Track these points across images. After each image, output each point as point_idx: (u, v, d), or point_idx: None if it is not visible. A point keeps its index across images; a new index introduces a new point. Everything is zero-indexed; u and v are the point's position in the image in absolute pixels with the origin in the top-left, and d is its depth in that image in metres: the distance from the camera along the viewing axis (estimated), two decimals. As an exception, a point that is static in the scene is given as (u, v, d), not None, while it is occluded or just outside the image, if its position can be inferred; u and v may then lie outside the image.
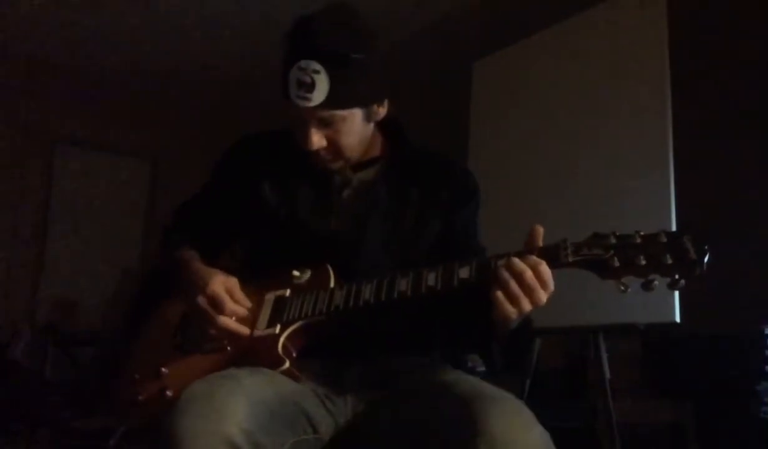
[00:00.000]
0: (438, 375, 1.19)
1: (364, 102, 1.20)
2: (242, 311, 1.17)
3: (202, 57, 4.67)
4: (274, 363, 1.11)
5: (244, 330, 1.16)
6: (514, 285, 0.99)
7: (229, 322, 1.15)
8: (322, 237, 1.25)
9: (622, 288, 0.97)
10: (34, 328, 4.64)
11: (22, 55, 4.75)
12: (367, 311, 1.10)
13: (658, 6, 2.52)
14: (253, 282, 1.23)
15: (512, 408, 0.97)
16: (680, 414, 2.69)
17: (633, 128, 2.48)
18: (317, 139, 1.19)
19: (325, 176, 1.28)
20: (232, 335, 1.16)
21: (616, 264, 0.96)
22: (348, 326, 1.16)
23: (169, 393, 1.16)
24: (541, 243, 1.03)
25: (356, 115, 1.20)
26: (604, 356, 2.34)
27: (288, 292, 1.20)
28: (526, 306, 0.99)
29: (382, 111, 1.25)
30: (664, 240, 0.95)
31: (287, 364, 1.11)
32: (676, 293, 2.13)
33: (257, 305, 1.20)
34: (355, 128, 1.21)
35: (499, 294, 1.00)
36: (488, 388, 1.04)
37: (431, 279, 1.06)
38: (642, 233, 0.97)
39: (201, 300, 1.16)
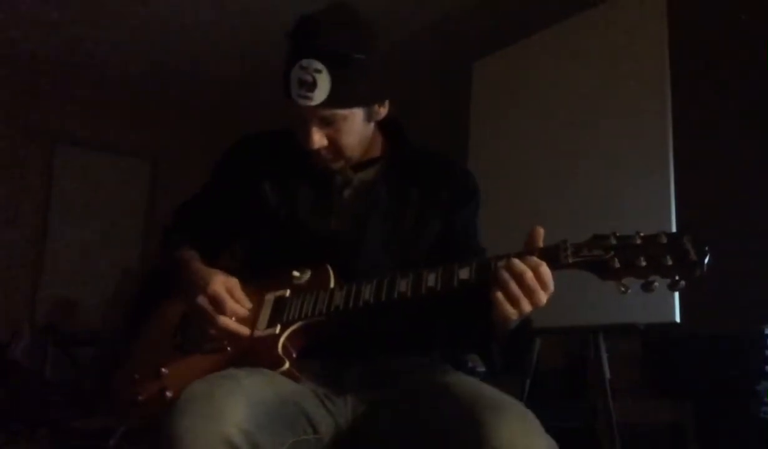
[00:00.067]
0: (438, 376, 1.19)
1: (365, 101, 1.20)
2: (243, 311, 1.17)
3: (202, 57, 4.67)
4: (274, 363, 1.11)
5: (245, 330, 1.16)
6: (514, 286, 0.99)
7: (229, 322, 1.15)
8: (322, 237, 1.25)
9: (623, 289, 0.97)
10: (34, 328, 4.64)
11: (22, 55, 4.75)
12: (367, 311, 1.10)
13: (658, 6, 2.52)
14: (253, 282, 1.23)
15: (519, 417, 0.96)
16: (680, 414, 2.69)
17: (633, 128, 2.48)
18: (318, 138, 1.19)
19: (325, 176, 1.28)
20: (232, 335, 1.16)
21: (617, 265, 0.96)
22: (348, 326, 1.16)
23: (168, 393, 1.16)
24: (541, 244, 1.03)
25: (357, 114, 1.20)
26: (604, 356, 2.34)
27: (288, 292, 1.20)
28: (526, 307, 0.99)
29: (382, 111, 1.25)
30: (665, 241, 0.95)
31: (287, 365, 1.11)
32: (676, 293, 2.13)
33: (257, 305, 1.20)
34: (356, 128, 1.21)
35: (499, 295, 1.00)
36: (494, 394, 1.03)
37: (431, 279, 1.06)
38: (642, 234, 0.97)
39: (201, 300, 1.16)
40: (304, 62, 1.13)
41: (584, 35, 2.77)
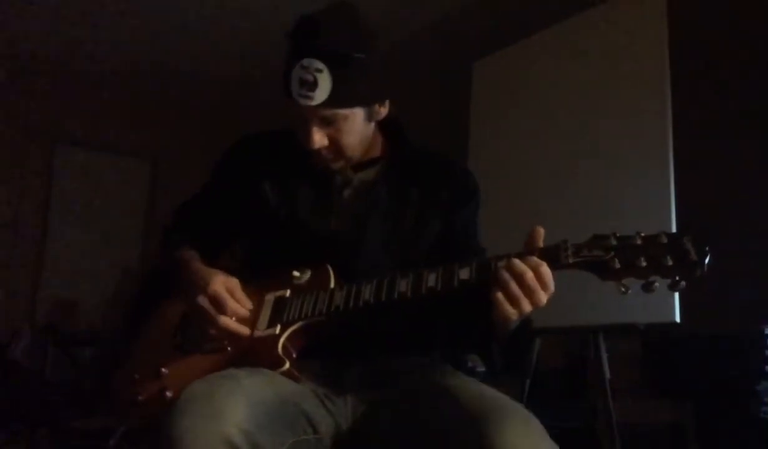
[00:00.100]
0: (439, 376, 1.19)
1: (366, 101, 1.20)
2: (243, 311, 1.17)
3: (202, 57, 4.67)
4: (274, 363, 1.11)
5: (245, 330, 1.16)
6: (514, 286, 0.99)
7: (229, 322, 1.15)
8: (322, 237, 1.25)
9: (623, 289, 0.97)
10: (34, 328, 4.64)
11: (22, 55, 4.75)
12: (367, 311, 1.10)
13: (658, 6, 2.52)
14: (253, 282, 1.23)
15: (523, 421, 0.96)
16: (680, 414, 2.69)
17: (633, 128, 2.48)
18: (319, 138, 1.19)
19: (325, 176, 1.28)
20: (232, 335, 1.16)
21: (617, 265, 0.96)
22: (348, 326, 1.16)
23: (168, 393, 1.16)
24: (541, 244, 1.03)
25: (358, 114, 1.20)
26: (604, 356, 2.34)
27: (288, 293, 1.20)
28: (527, 307, 0.99)
29: (383, 111, 1.25)
30: (665, 241, 0.95)
31: (287, 365, 1.10)
32: (676, 293, 2.13)
33: (257, 305, 1.20)
34: (357, 127, 1.21)
35: (500, 295, 0.99)
36: (496, 396, 1.03)
37: (431, 279, 1.06)
38: (642, 234, 0.97)
39: (202, 300, 1.16)
40: (305, 62, 1.13)
41: (584, 35, 2.77)
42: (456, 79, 3.55)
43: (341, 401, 1.16)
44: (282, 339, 1.13)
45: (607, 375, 2.31)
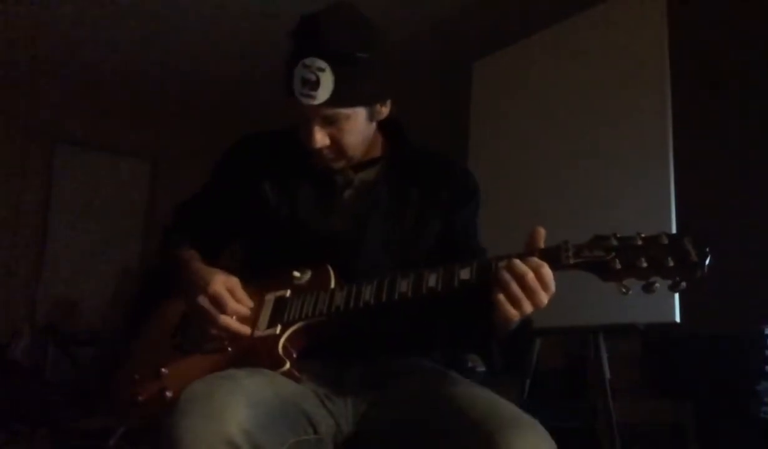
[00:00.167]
0: (439, 376, 1.19)
1: (368, 101, 1.20)
2: (244, 310, 1.17)
3: (202, 57, 4.67)
4: (275, 363, 1.11)
5: (245, 329, 1.16)
6: (515, 287, 0.98)
7: (230, 322, 1.15)
8: (323, 237, 1.25)
9: (624, 290, 0.97)
10: (34, 328, 4.64)
11: (22, 55, 4.75)
12: (368, 312, 1.10)
13: (658, 6, 2.52)
14: (253, 282, 1.22)
15: (532, 431, 0.96)
16: (680, 414, 2.69)
17: (633, 128, 2.48)
18: (320, 137, 1.19)
19: (326, 176, 1.28)
20: (233, 335, 1.16)
21: (618, 266, 0.96)
22: (348, 327, 1.16)
23: (169, 393, 1.16)
24: (542, 245, 1.03)
25: (360, 113, 1.20)
26: (604, 356, 2.34)
27: (288, 293, 1.20)
28: (527, 308, 0.99)
29: (384, 110, 1.25)
30: (665, 242, 0.95)
31: (287, 365, 1.10)
32: (676, 293, 2.13)
33: (257, 305, 1.20)
34: (359, 127, 1.21)
35: (501, 296, 0.99)
36: (503, 404, 1.03)
37: (432, 280, 1.06)
38: (643, 235, 0.97)
39: (202, 299, 1.15)
40: (308, 60, 1.13)
41: (584, 35, 2.77)
42: (456, 79, 3.55)
43: (341, 401, 1.16)
44: (282, 340, 1.13)
45: (607, 375, 2.31)
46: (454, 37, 4.06)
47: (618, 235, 0.98)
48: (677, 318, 2.16)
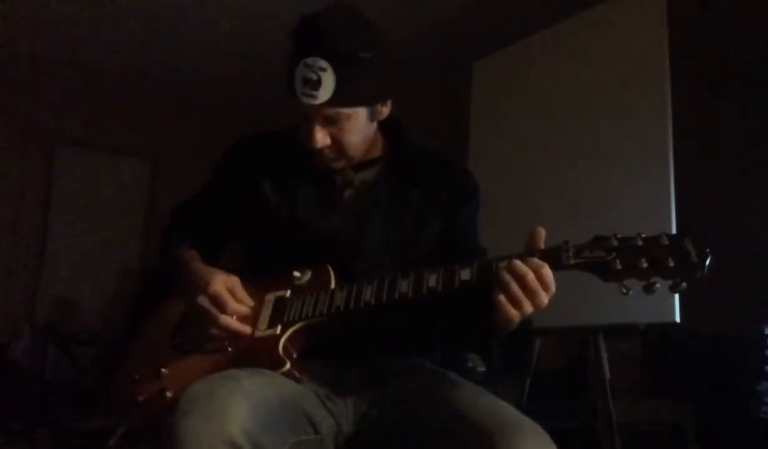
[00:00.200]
0: (440, 377, 1.19)
1: (369, 101, 1.20)
2: (244, 309, 1.17)
3: (202, 57, 4.67)
4: (275, 364, 1.11)
5: (246, 329, 1.16)
6: (515, 287, 0.98)
7: (231, 321, 1.15)
8: (323, 237, 1.25)
9: (624, 290, 0.97)
10: (34, 328, 4.64)
11: (22, 55, 4.75)
12: (368, 312, 1.10)
13: (658, 6, 2.52)
14: (253, 282, 1.22)
15: (533, 437, 0.96)
16: (680, 414, 2.69)
17: (633, 128, 2.48)
18: (321, 137, 1.19)
19: (327, 176, 1.28)
20: (233, 335, 1.16)
21: (618, 266, 0.96)
22: (348, 327, 1.16)
23: (169, 393, 1.16)
24: (542, 245, 1.03)
25: (361, 113, 1.20)
26: (604, 356, 2.34)
27: (288, 293, 1.20)
28: (528, 308, 0.99)
29: (385, 110, 1.25)
30: (666, 242, 0.95)
31: (288, 365, 1.10)
32: (676, 293, 2.13)
33: (258, 306, 1.20)
34: (359, 127, 1.21)
35: (501, 297, 0.99)
36: (506, 408, 1.03)
37: (432, 280, 1.06)
38: (643, 235, 0.97)
39: (202, 299, 1.15)
40: (309, 60, 1.13)
41: (584, 35, 2.77)
42: (456, 79, 3.55)
43: (342, 401, 1.16)
44: (283, 340, 1.13)
45: (607, 375, 2.31)
46: (454, 37, 4.07)
47: (618, 236, 0.98)
48: (677, 318, 2.16)
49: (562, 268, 1.00)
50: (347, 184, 1.29)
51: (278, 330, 1.15)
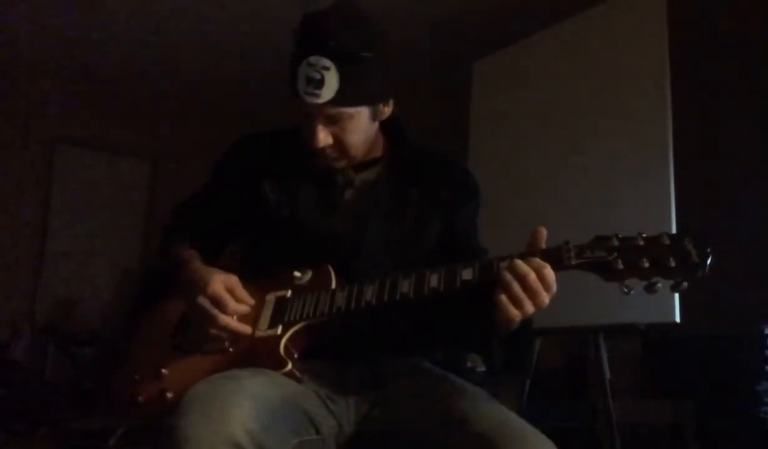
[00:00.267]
0: (441, 380, 1.19)
1: (372, 100, 1.20)
2: (244, 309, 1.16)
3: (202, 57, 4.67)
4: (276, 364, 1.10)
5: (246, 329, 1.15)
6: (517, 287, 0.98)
7: (230, 321, 1.14)
8: (323, 237, 1.25)
9: (626, 290, 0.97)
10: (34, 328, 4.64)
11: (22, 55, 4.75)
12: (369, 312, 1.10)
13: (658, 6, 2.52)
14: (253, 282, 1.22)
15: (536, 445, 0.96)
16: (680, 414, 2.69)
17: (633, 128, 2.48)
18: (323, 137, 1.19)
19: (327, 176, 1.28)
20: (233, 334, 1.15)
21: (620, 266, 0.96)
22: (349, 327, 1.16)
23: (169, 394, 1.15)
24: (544, 246, 1.03)
25: (363, 113, 1.20)
26: (604, 356, 2.34)
27: (289, 293, 1.19)
28: (529, 308, 0.99)
29: (387, 110, 1.25)
30: (667, 242, 0.95)
31: (289, 366, 1.10)
32: (676, 293, 2.13)
33: (258, 306, 1.19)
34: (362, 126, 1.21)
35: (503, 297, 0.99)
36: (507, 415, 1.03)
37: (434, 280, 1.06)
38: (644, 235, 0.97)
39: (202, 300, 1.14)
40: (312, 59, 1.12)
41: (584, 35, 2.77)
42: (456, 79, 3.55)
43: (343, 401, 1.16)
44: (284, 340, 1.13)
45: (607, 375, 2.31)
46: (454, 37, 4.07)
47: (619, 236, 0.98)
48: (677, 318, 2.17)
49: (563, 268, 1.00)
50: (348, 184, 1.29)
51: (279, 330, 1.14)
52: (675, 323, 2.18)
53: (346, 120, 1.18)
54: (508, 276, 0.99)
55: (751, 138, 2.98)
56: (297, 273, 1.20)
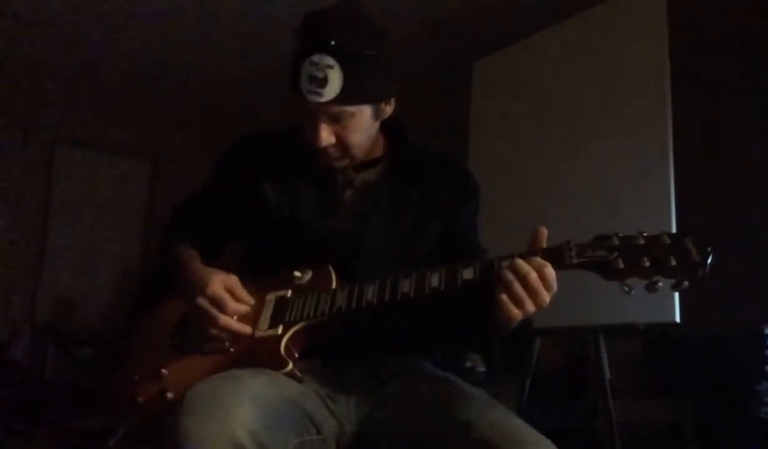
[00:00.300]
0: (442, 380, 1.19)
1: (375, 99, 1.20)
2: (244, 309, 1.16)
3: (202, 57, 4.67)
4: (277, 364, 1.10)
5: (246, 329, 1.15)
6: (518, 286, 0.98)
7: (230, 322, 1.14)
8: (323, 237, 1.25)
9: (626, 289, 0.97)
10: (34, 328, 4.64)
11: (22, 55, 4.74)
12: (370, 312, 1.10)
13: (658, 6, 2.52)
14: (253, 282, 1.22)
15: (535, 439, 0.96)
16: (680, 414, 2.69)
17: (633, 128, 2.48)
18: (326, 135, 1.19)
19: (327, 176, 1.28)
20: (233, 334, 1.15)
21: (621, 265, 0.96)
22: (350, 327, 1.16)
23: (169, 394, 1.15)
24: (545, 245, 1.03)
25: (365, 111, 1.20)
26: (604, 356, 2.34)
27: (289, 293, 1.19)
28: (530, 308, 0.99)
29: (389, 109, 1.25)
30: (668, 241, 0.95)
31: (290, 366, 1.10)
32: (676, 293, 2.13)
33: (258, 305, 1.19)
34: (364, 125, 1.21)
35: (504, 296, 0.99)
36: (510, 418, 1.02)
37: (435, 280, 1.06)
38: (645, 234, 0.97)
39: (201, 300, 1.14)
40: (316, 58, 1.12)
41: (584, 35, 2.77)
42: (456, 79, 3.55)
43: (344, 402, 1.16)
44: (284, 340, 1.13)
45: (607, 375, 2.31)
46: (454, 37, 4.06)
47: (620, 235, 0.99)
48: (677, 318, 2.17)
49: (564, 268, 1.00)
50: (348, 184, 1.29)
51: (280, 330, 1.14)
52: (675, 323, 2.18)
53: (348, 118, 1.18)
54: (510, 276, 0.99)
55: (751, 138, 2.98)
56: (297, 273, 1.20)
